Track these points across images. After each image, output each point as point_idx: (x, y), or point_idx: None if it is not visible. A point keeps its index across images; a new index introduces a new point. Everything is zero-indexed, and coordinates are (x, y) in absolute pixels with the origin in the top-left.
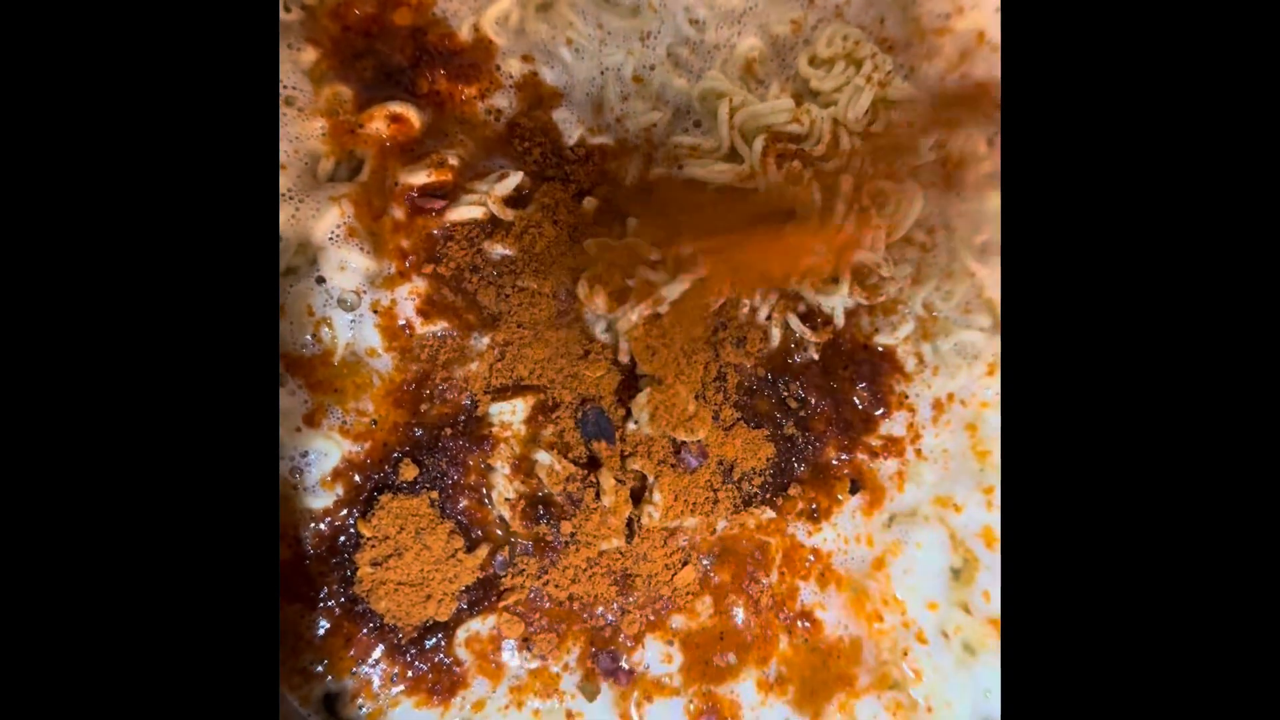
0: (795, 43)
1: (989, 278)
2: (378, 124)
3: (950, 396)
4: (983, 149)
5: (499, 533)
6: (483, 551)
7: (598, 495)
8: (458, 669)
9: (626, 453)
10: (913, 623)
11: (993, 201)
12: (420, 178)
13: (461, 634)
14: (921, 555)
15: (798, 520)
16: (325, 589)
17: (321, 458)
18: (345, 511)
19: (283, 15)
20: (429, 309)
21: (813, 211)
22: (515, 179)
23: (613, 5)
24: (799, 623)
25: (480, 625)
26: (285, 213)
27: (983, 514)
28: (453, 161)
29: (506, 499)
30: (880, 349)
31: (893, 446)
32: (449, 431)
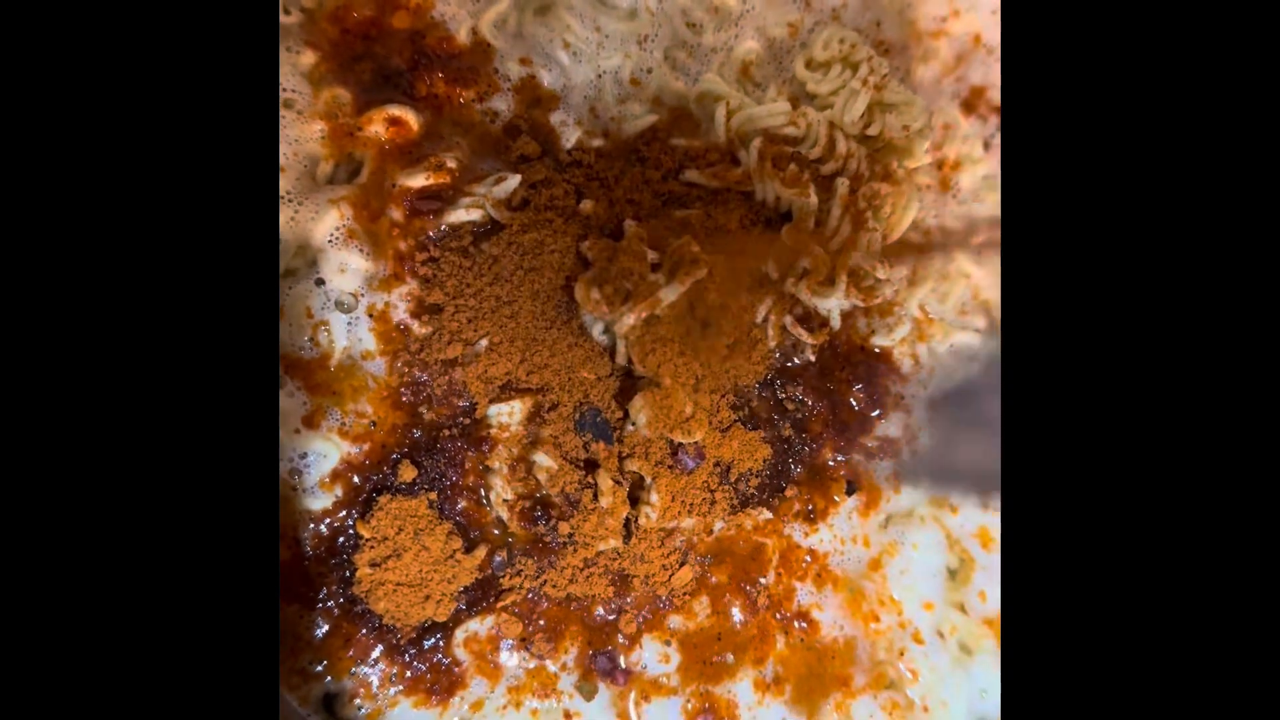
0: (792, 46)
1: (984, 279)
2: (376, 127)
3: (946, 398)
4: (978, 151)
5: (497, 533)
6: (481, 552)
7: (595, 496)
8: (456, 669)
9: (624, 454)
10: (909, 623)
11: (988, 204)
12: (419, 180)
13: (460, 634)
14: (918, 556)
15: (794, 521)
16: (324, 590)
17: (320, 459)
18: (344, 513)
19: (282, 18)
20: (425, 311)
21: (809, 214)
22: (513, 181)
23: (610, 8)
24: (796, 623)
25: (479, 626)
26: (284, 215)
27: (978, 515)
28: (451, 164)
29: (505, 500)
30: (876, 350)
31: (889, 447)
32: (447, 433)
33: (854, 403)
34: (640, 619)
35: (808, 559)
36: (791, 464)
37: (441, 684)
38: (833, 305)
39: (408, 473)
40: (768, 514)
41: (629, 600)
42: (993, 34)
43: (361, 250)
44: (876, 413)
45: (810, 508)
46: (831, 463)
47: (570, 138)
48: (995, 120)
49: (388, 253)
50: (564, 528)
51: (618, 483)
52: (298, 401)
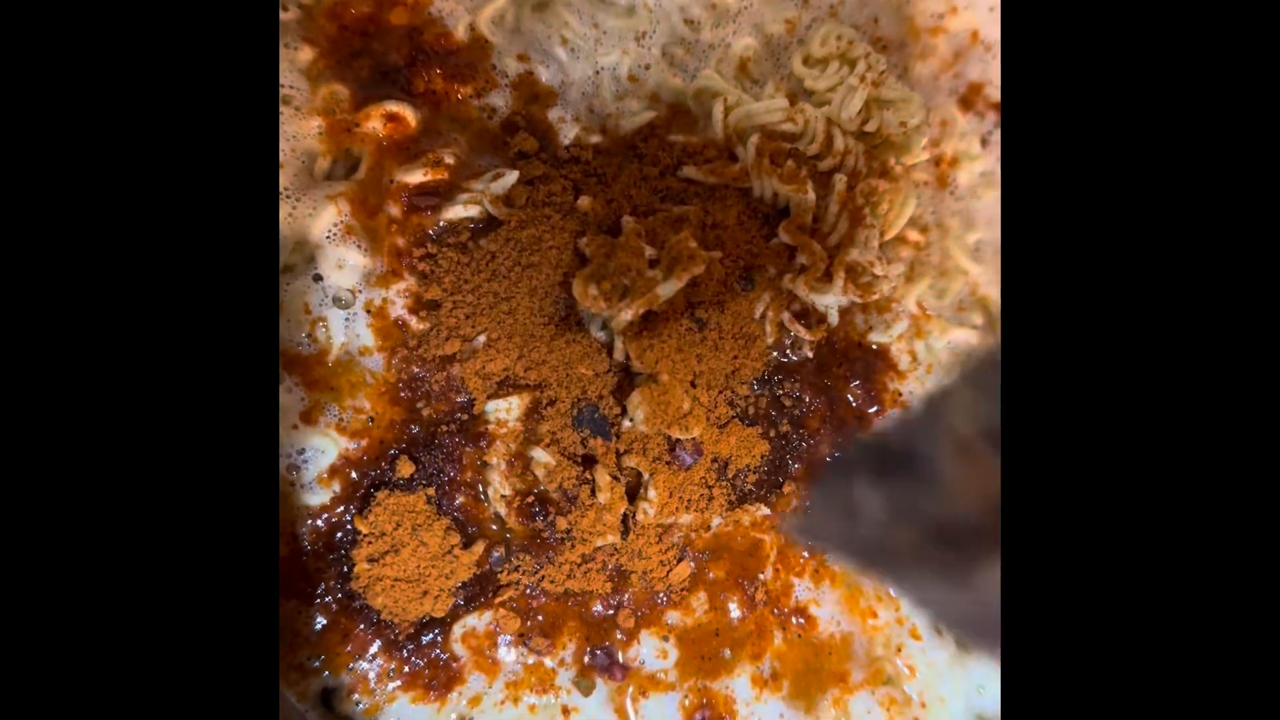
0: (790, 42)
1: (982, 276)
2: (374, 123)
3: (944, 394)
4: (976, 148)
5: (495, 529)
6: (479, 548)
7: (593, 492)
8: (454, 665)
9: (622, 450)
10: (906, 619)
11: (986, 200)
12: (416, 176)
13: (458, 630)
14: None
15: (792, 517)
16: (322, 585)
17: (318, 455)
18: (342, 508)
19: (280, 14)
20: (423, 307)
21: (806, 210)
22: (511, 178)
23: (608, 5)
24: (793, 619)
25: (477, 621)
26: (283, 211)
27: None
28: (449, 160)
29: (503, 496)
30: (874, 347)
31: None
32: (445, 429)
33: (851, 399)
34: (638, 615)
35: (805, 555)
36: (789, 460)
37: (439, 679)
38: (830, 301)
39: (406, 468)
40: (765, 510)
41: (627, 596)
42: (990, 30)
43: (359, 246)
44: (874, 409)
45: (808, 504)
46: (829, 459)
47: (568, 134)
48: (993, 117)
49: (385, 249)
50: (562, 523)
51: (615, 478)
52: (295, 397)
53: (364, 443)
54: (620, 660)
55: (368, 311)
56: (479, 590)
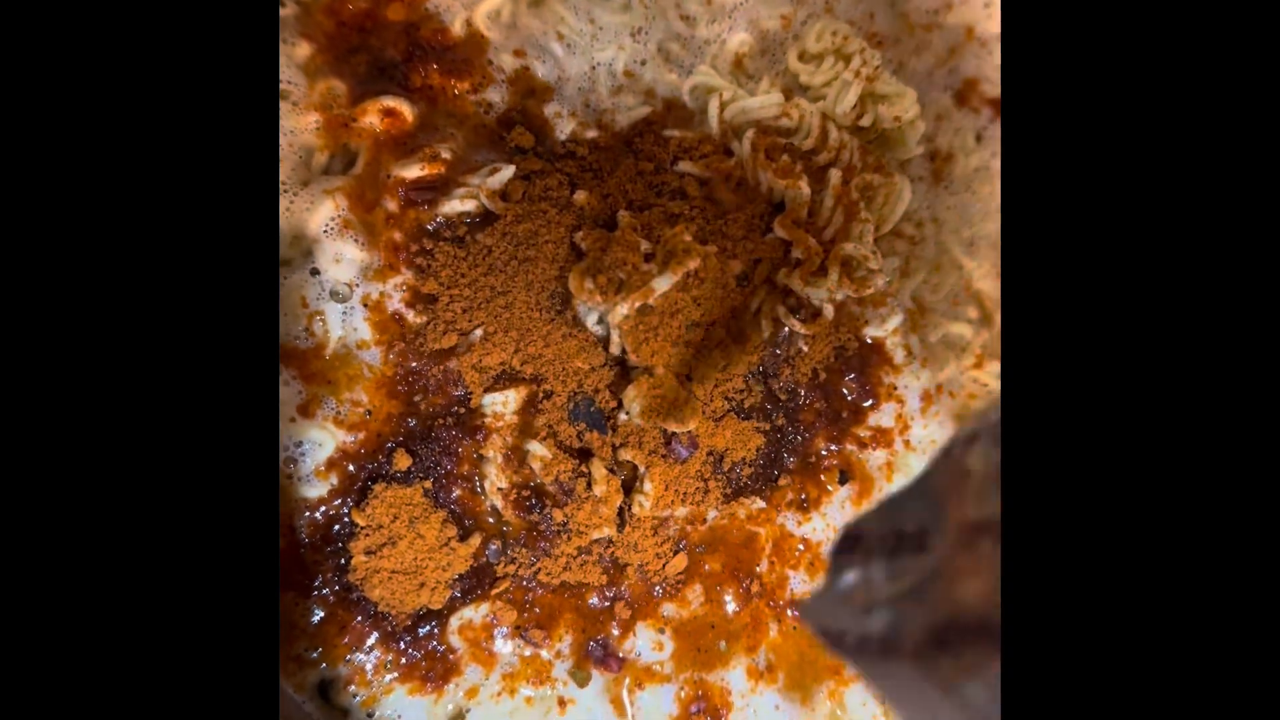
0: (785, 38)
1: (977, 270)
2: (371, 118)
3: (939, 388)
4: (971, 143)
5: (492, 522)
6: (476, 540)
7: (589, 485)
8: (451, 656)
9: (617, 443)
10: None
11: (981, 195)
12: (413, 171)
13: (455, 622)
14: None
15: (787, 510)
16: (320, 577)
17: (316, 448)
18: (339, 501)
19: (279, 10)
20: (420, 301)
21: (802, 205)
22: (507, 172)
23: (604, 0)
24: (789, 611)
25: (473, 613)
26: (280, 205)
27: None
28: (445, 155)
29: (499, 489)
30: (869, 341)
31: (881, 437)
32: (442, 422)
33: (846, 393)
34: (634, 607)
35: (801, 547)
36: (784, 453)
37: (436, 671)
38: (825, 295)
39: (403, 461)
40: (761, 503)
41: (623, 588)
42: (985, 26)
43: (356, 240)
44: (869, 403)
45: (803, 497)
46: (824, 452)
47: (564, 129)
48: (988, 112)
49: (382, 243)
50: (558, 516)
51: (611, 471)
52: (293, 390)
53: (361, 436)
54: (616, 652)
55: (365, 305)
56: (476, 582)
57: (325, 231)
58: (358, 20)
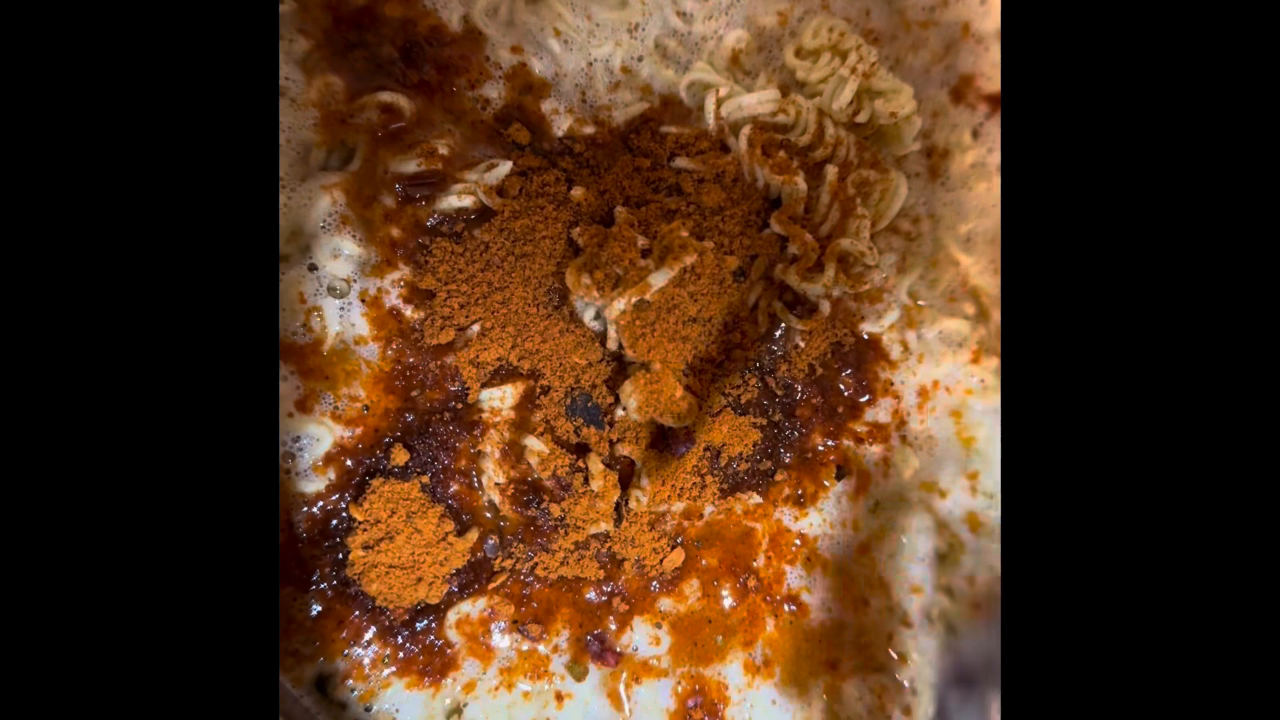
0: (781, 34)
1: (973, 266)
2: (369, 114)
3: (935, 383)
4: (967, 139)
5: (489, 517)
6: (473, 535)
7: (586, 480)
8: (448, 651)
9: (614, 438)
10: (897, 606)
11: (977, 191)
12: (411, 167)
13: (452, 616)
14: (906, 540)
15: (784, 505)
16: (317, 572)
17: (313, 443)
18: (337, 496)
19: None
20: (417, 297)
21: (798, 200)
22: (504, 168)
23: None
24: (785, 606)
25: (471, 608)
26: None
27: (967, 499)
28: (442, 151)
29: (496, 484)
30: (866, 336)
31: (878, 433)
32: (439, 417)
33: (843, 388)
34: (631, 602)
35: (797, 543)
36: (781, 449)
37: (434, 665)
38: (821, 291)
39: (400, 456)
40: (757, 498)
41: (620, 583)
42: (981, 23)
43: (354, 236)
44: (866, 398)
45: (800, 492)
46: (821, 447)
47: (561, 125)
48: (984, 108)
49: (380, 238)
50: (555, 511)
51: (608, 467)
52: (291, 386)
53: (359, 431)
54: (614, 647)
55: (362, 301)
56: (473, 577)
57: (323, 227)
58: (355, 17)
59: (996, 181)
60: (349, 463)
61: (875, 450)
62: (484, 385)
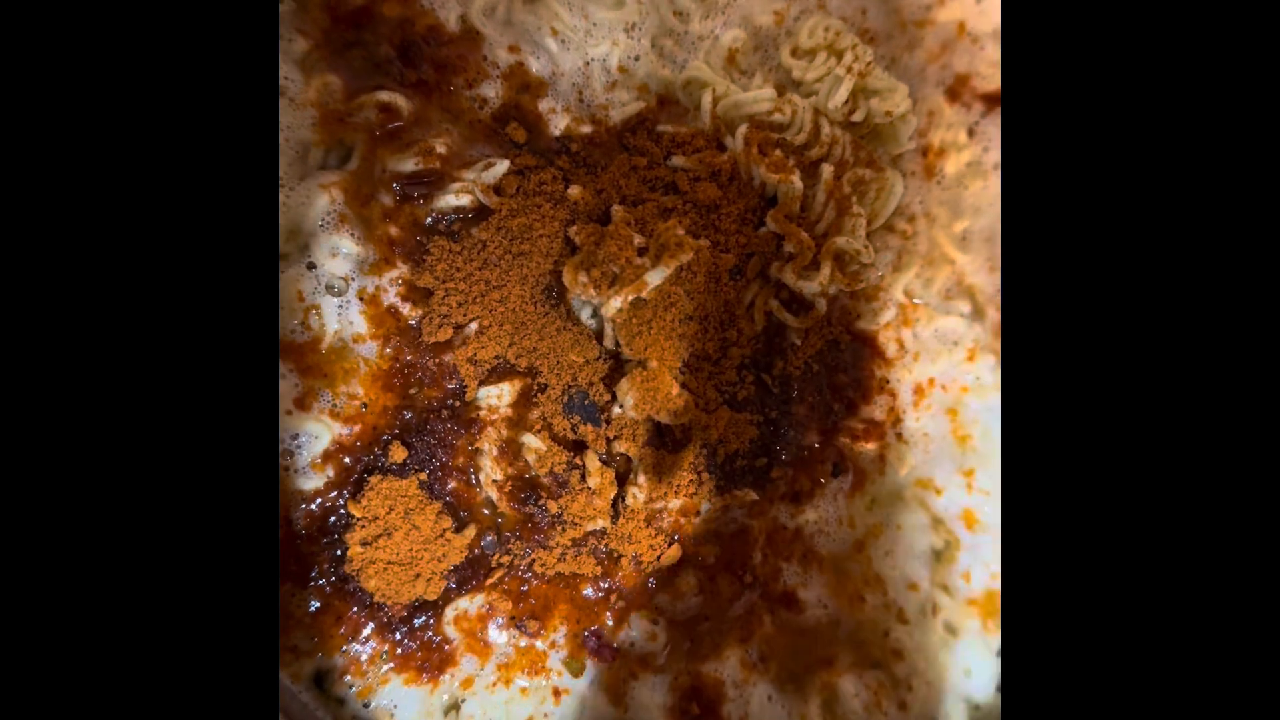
0: (778, 34)
1: (969, 264)
2: (367, 113)
3: (931, 381)
4: (962, 138)
5: (487, 513)
6: (471, 531)
7: (583, 477)
8: (446, 647)
9: (611, 436)
10: (894, 603)
11: (973, 190)
12: (408, 166)
13: (450, 612)
14: (902, 537)
15: (780, 502)
16: (316, 568)
17: (312, 440)
18: (335, 493)
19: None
20: (415, 295)
21: (794, 199)
22: (502, 167)
23: None
24: (781, 602)
25: (468, 604)
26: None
27: (963, 496)
28: (440, 150)
29: (494, 481)
30: (862, 334)
31: (874, 430)
32: (437, 415)
33: (839, 386)
34: (628, 598)
35: (794, 539)
36: (777, 446)
37: (432, 661)
38: (817, 289)
39: (398, 453)
40: (754, 495)
41: (617, 579)
42: (977, 23)
43: (352, 234)
44: (862, 396)
45: (796, 489)
46: (817, 445)
47: (558, 124)
48: (979, 107)
49: (378, 237)
50: (552, 507)
51: (605, 463)
52: (290, 383)
53: (357, 428)
54: (611, 643)
55: (361, 299)
56: (471, 573)
57: (321, 226)
58: (353, 16)
59: (992, 180)
60: (347, 460)
61: (871, 448)
62: (482, 383)
